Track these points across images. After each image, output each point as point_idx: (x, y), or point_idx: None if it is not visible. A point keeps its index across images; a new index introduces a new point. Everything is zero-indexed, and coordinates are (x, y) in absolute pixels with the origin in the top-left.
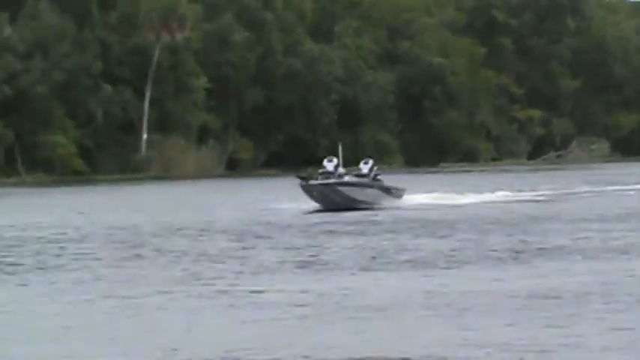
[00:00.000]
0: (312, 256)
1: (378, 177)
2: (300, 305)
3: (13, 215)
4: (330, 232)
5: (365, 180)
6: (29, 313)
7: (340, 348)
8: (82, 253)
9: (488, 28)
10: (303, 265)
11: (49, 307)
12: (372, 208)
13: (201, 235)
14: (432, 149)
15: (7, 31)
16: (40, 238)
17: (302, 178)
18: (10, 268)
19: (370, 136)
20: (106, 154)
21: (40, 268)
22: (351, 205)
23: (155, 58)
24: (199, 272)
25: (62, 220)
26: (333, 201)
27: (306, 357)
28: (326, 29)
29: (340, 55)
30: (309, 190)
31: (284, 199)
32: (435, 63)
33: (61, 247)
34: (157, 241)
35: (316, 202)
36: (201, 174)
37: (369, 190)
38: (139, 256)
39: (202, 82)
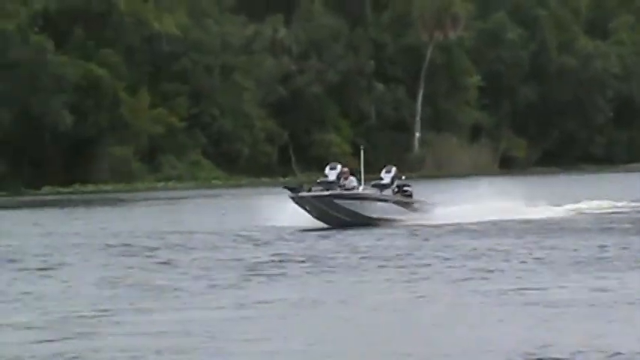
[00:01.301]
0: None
1: (406, 187)
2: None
3: None
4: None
5: (373, 192)
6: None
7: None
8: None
9: None
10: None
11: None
12: (385, 225)
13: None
14: None
15: (282, 32)
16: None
17: (290, 189)
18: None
19: None
20: (378, 153)
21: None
22: (356, 221)
23: (428, 57)
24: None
25: None
26: (330, 216)
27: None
28: (601, 25)
29: (616, 51)
30: (301, 204)
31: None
32: None
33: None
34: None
35: (313, 217)
36: (475, 172)
37: (380, 204)
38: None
39: (475, 80)
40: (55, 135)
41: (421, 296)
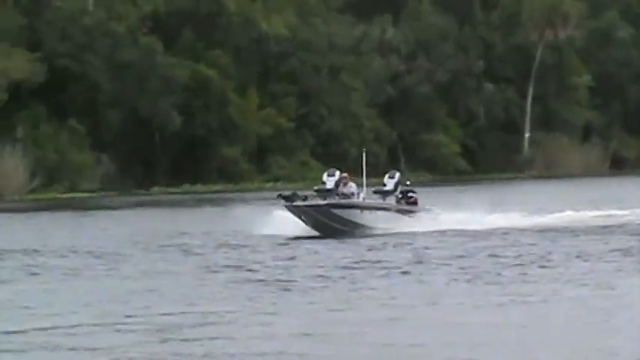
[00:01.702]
0: None
1: (411, 194)
2: None
3: None
4: None
5: (374, 199)
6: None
7: None
8: None
9: None
10: None
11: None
12: (385, 234)
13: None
14: None
15: (390, 32)
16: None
17: (285, 198)
18: None
19: None
20: (487, 153)
21: None
22: (354, 230)
23: (538, 57)
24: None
25: None
26: (327, 226)
27: None
28: None
29: None
30: (296, 214)
31: None
32: None
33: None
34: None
35: (309, 227)
36: (585, 172)
37: (381, 213)
38: None
39: (585, 79)
40: (165, 136)
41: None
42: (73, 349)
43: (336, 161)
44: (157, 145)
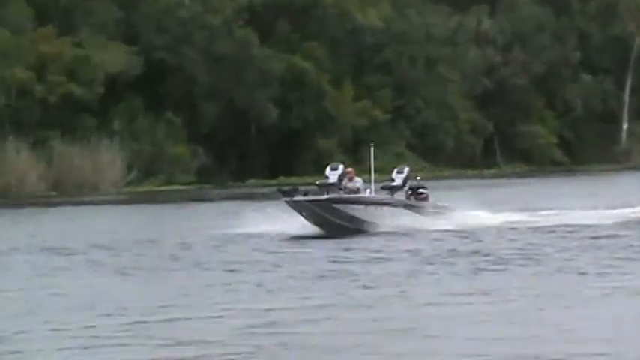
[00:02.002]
0: None
1: (421, 190)
2: None
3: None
4: None
5: (380, 195)
6: None
7: None
8: None
9: None
10: None
11: None
12: (390, 231)
13: None
14: None
15: (487, 23)
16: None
17: (284, 193)
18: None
19: None
20: (585, 145)
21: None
22: (359, 227)
23: (635, 47)
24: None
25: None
26: (329, 222)
27: None
28: None
29: None
30: (297, 209)
31: None
32: None
33: None
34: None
35: (310, 223)
36: None
37: (387, 209)
38: None
39: None
40: (260, 128)
41: None
42: (187, 341)
43: (432, 153)
44: (253, 137)
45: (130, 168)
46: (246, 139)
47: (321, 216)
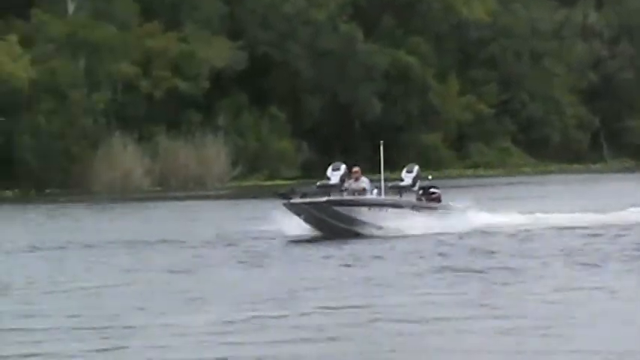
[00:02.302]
0: None
1: (433, 189)
2: None
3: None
4: None
5: (383, 197)
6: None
7: None
8: None
9: None
10: None
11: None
12: (396, 234)
13: None
14: None
15: (593, 17)
16: None
17: (281, 196)
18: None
19: None
20: None
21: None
22: (362, 231)
23: None
24: None
25: None
26: (328, 225)
27: None
28: None
29: None
30: (295, 212)
31: None
32: None
33: None
34: None
35: (310, 226)
36: None
37: (392, 211)
38: None
39: None
40: (364, 123)
41: None
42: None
43: (537, 148)
44: (357, 131)
45: (234, 163)
46: (349, 134)
47: (320, 218)
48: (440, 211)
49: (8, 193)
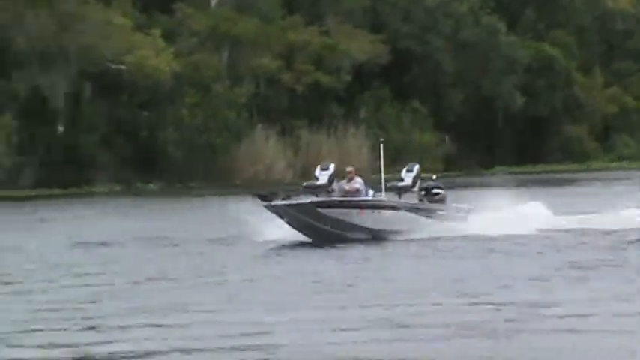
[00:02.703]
0: None
1: (436, 190)
2: None
3: None
4: None
5: (378, 198)
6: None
7: None
8: None
9: None
10: None
11: None
12: (393, 237)
13: None
14: None
15: None
16: None
17: (261, 197)
18: None
19: None
20: None
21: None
22: (350, 234)
23: None
24: None
25: None
26: (314, 228)
27: None
28: None
29: None
30: (278, 214)
31: None
32: None
33: None
34: None
35: (295, 229)
36: None
37: (387, 213)
38: None
39: None
40: (507, 115)
41: None
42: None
43: None
44: (500, 124)
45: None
46: (492, 127)
47: (305, 222)
48: (442, 213)
49: (152, 186)
